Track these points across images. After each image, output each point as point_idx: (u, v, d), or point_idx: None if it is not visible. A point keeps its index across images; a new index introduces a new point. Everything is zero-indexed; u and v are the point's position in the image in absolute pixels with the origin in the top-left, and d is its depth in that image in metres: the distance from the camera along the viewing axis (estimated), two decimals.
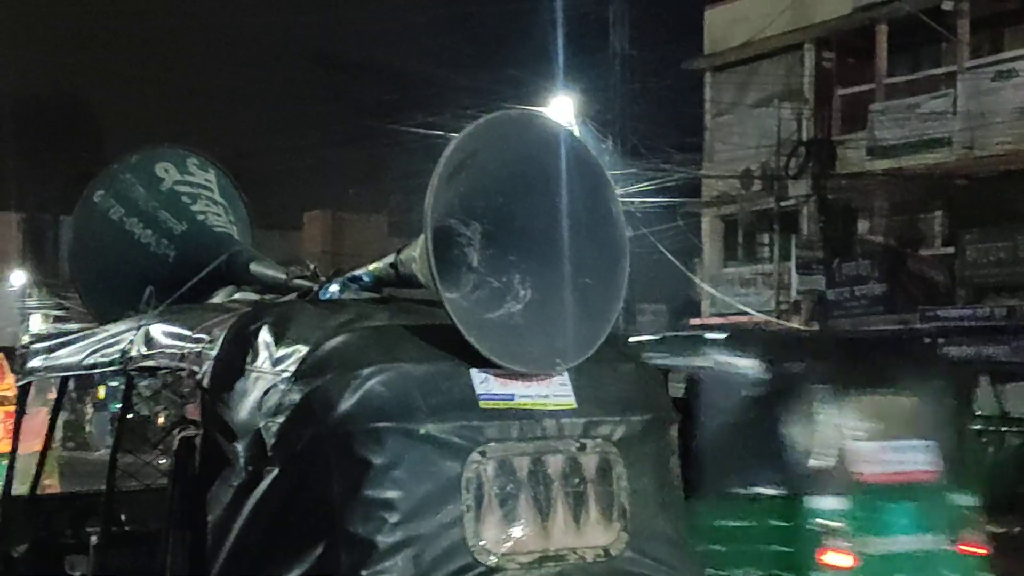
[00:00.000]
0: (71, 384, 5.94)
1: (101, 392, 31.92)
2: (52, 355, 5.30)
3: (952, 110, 24.98)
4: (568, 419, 4.05)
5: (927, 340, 23.70)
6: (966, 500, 8.81)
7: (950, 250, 25.52)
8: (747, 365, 8.38)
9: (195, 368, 4.04)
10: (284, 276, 5.00)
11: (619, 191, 5.10)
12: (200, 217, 5.52)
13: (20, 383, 5.79)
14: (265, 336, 3.92)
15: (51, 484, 10.69)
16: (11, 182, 45.04)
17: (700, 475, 7.66)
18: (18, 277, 44.91)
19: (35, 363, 5.46)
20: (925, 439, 8.74)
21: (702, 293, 31.14)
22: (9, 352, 11.70)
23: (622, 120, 27.53)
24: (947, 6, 25.33)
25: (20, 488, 5.88)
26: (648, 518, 4.14)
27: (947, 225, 26.49)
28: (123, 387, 5.26)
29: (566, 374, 4.08)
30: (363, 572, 3.67)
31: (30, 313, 43.74)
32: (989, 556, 8.68)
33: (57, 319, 40.06)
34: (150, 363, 4.42)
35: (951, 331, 23.52)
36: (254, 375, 3.87)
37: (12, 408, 7.06)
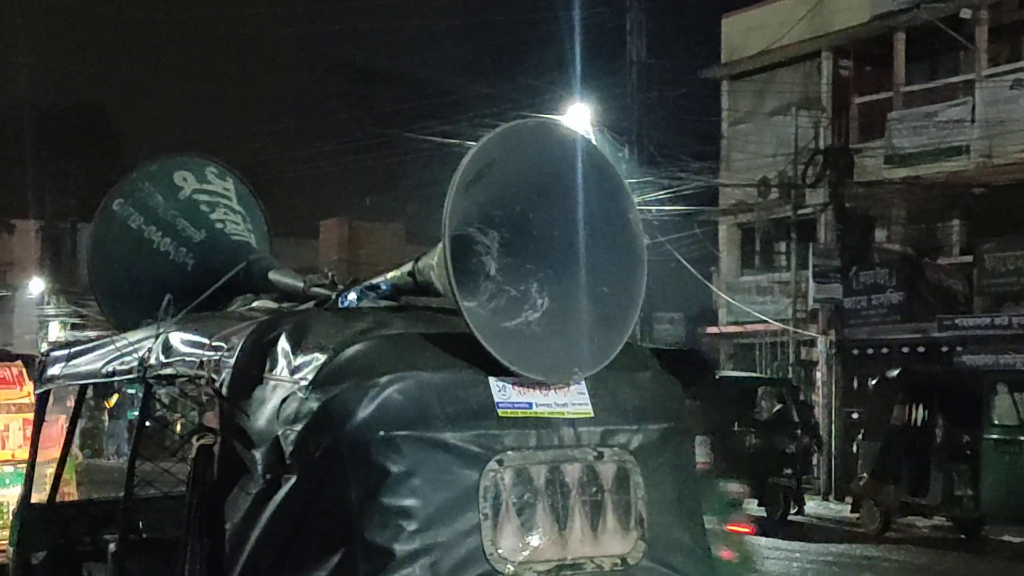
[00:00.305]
0: (89, 392, 5.94)
1: (112, 400, 31.98)
2: (71, 363, 5.31)
3: (970, 118, 24.93)
4: (585, 428, 4.04)
5: (944, 349, 23.68)
6: (734, 488, 10.80)
7: (968, 259, 25.47)
8: None
9: (213, 376, 4.04)
10: (302, 284, 5.00)
11: (636, 199, 5.10)
12: (218, 225, 5.53)
13: (39, 391, 5.81)
14: (283, 344, 3.92)
15: (69, 491, 10.72)
16: (30, 190, 45.19)
17: None
18: (37, 285, 45.03)
19: (54, 371, 5.47)
20: (698, 435, 10.54)
21: (719, 301, 31.12)
22: (28, 360, 11.75)
23: (639, 128, 27.58)
24: (965, 14, 25.30)
25: (39, 495, 5.90)
26: (666, 527, 4.13)
27: (965, 234, 26.44)
28: (141, 395, 5.27)
29: (583, 383, 4.07)
30: None
31: (49, 321, 43.87)
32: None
33: (75, 327, 40.18)
34: (168, 371, 4.42)
35: (969, 340, 23.47)
36: (272, 383, 3.87)
37: (31, 416, 7.07)
